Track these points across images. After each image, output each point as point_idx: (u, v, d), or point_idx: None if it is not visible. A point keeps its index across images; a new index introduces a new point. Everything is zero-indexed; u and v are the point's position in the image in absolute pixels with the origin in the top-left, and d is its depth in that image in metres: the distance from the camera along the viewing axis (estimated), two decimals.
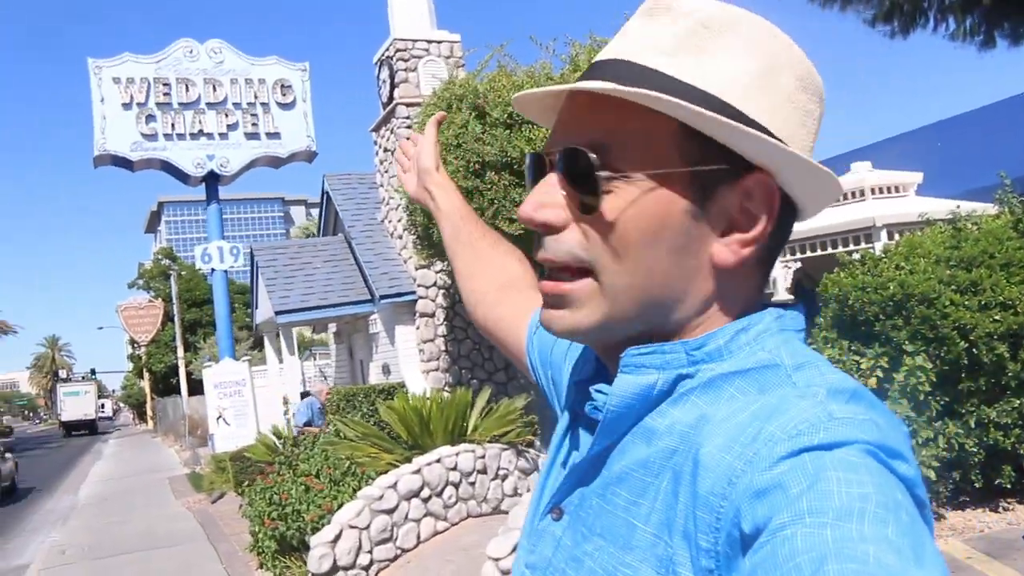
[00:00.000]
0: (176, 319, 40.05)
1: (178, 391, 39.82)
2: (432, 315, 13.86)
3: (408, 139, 1.49)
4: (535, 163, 0.86)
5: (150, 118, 17.94)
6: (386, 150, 14.52)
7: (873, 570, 0.56)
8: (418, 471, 8.56)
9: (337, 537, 7.64)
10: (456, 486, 8.96)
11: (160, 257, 57.80)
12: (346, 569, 7.69)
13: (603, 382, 0.85)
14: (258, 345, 42.56)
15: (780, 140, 0.77)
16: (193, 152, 18.12)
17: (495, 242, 1.37)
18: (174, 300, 40.46)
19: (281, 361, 16.26)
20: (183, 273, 47.60)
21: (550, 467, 0.95)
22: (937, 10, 13.47)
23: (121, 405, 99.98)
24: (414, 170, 1.43)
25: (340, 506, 8.36)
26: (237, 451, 15.31)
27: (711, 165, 0.77)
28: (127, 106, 17.72)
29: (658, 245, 0.78)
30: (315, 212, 74.03)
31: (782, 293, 10.09)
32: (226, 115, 18.47)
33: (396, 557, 8.21)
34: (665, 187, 0.77)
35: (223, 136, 18.32)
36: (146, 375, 54.26)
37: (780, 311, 0.82)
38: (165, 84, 18.04)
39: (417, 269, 13.81)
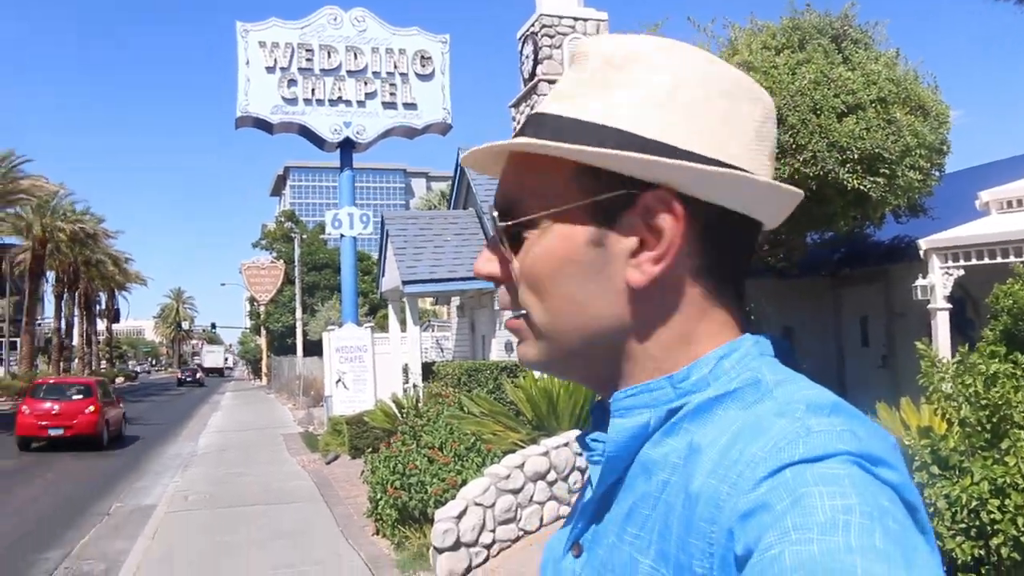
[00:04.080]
0: (296, 281, 41.18)
1: (293, 351, 41.07)
2: None
3: None
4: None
5: (292, 82, 18.18)
6: None
7: None
8: (545, 453, 8.40)
9: (462, 513, 7.55)
10: (582, 472, 8.76)
11: (283, 219, 59.49)
12: (468, 546, 7.60)
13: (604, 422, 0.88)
14: (372, 312, 43.46)
15: (682, 152, 0.78)
16: (331, 118, 18.30)
17: None
18: (296, 262, 41.57)
19: (404, 330, 16.37)
20: (304, 236, 48.86)
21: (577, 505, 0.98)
22: None
23: (238, 359, 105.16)
24: None
25: (464, 481, 8.28)
26: (354, 416, 15.52)
27: (606, 193, 0.80)
28: (270, 70, 18.02)
29: (568, 279, 0.82)
30: (436, 185, 75.01)
31: (940, 301, 9.47)
32: (365, 83, 18.55)
33: (518, 538, 8.09)
34: (565, 223, 0.82)
35: (361, 104, 18.44)
36: (263, 333, 56.17)
37: (757, 337, 0.83)
38: (308, 50, 18.25)
39: None
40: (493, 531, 7.79)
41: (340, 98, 18.35)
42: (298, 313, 39.98)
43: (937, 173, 10.50)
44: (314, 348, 36.40)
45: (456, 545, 7.52)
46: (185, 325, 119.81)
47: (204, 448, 19.73)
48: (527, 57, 14.16)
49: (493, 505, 7.81)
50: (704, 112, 0.80)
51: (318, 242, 51.48)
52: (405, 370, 15.40)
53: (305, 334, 39.54)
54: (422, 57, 18.79)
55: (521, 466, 8.15)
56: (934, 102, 10.08)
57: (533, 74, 13.86)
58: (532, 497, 8.22)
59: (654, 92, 0.81)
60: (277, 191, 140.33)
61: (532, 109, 13.82)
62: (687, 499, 0.72)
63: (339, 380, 17.38)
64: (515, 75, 14.72)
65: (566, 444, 8.67)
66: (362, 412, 15.34)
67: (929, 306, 9.64)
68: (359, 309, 34.53)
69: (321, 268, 48.93)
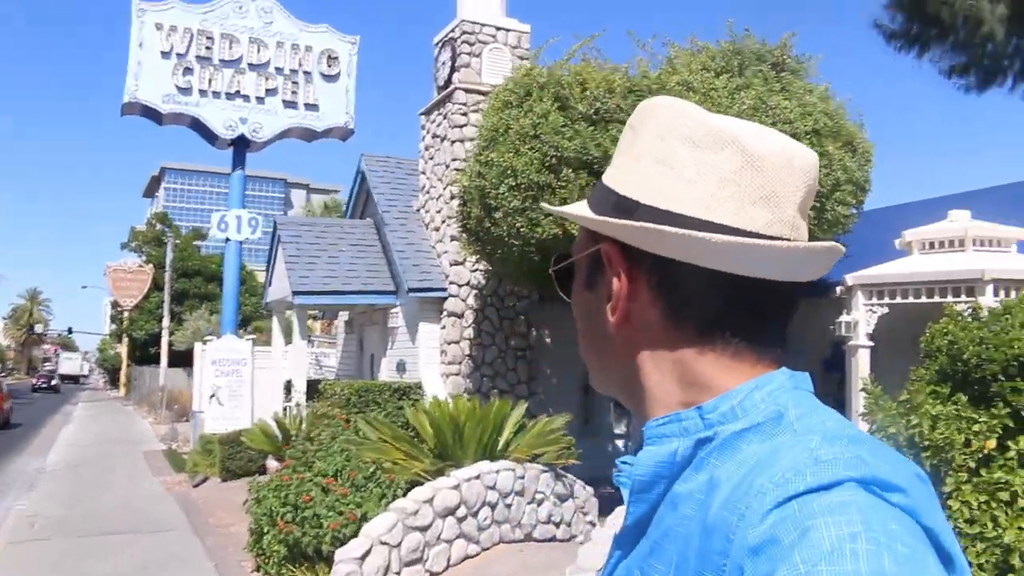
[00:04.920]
0: (166, 287, 39.00)
1: (156, 361, 38.67)
2: (460, 315, 12.94)
3: None
4: None
5: (187, 71, 16.80)
6: (435, 136, 13.63)
7: None
8: (456, 487, 7.66)
9: (366, 553, 6.71)
10: (492, 507, 8.05)
11: (155, 222, 56.67)
12: None
13: None
14: (244, 324, 41.52)
15: (630, 203, 0.82)
16: (226, 113, 16.99)
17: None
18: (167, 267, 39.40)
19: (288, 343, 15.29)
20: (177, 241, 46.54)
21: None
22: (1019, 71, 12.91)
23: (95, 367, 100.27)
24: None
25: (365, 515, 7.44)
26: (229, 434, 14.35)
27: (588, 249, 0.89)
28: (166, 55, 16.59)
29: (581, 321, 0.91)
30: (316, 198, 72.95)
31: (863, 338, 9.32)
32: (266, 79, 17.35)
33: None
34: (578, 274, 0.92)
35: (260, 100, 17.21)
36: (125, 340, 53.05)
37: (793, 372, 0.82)
38: (208, 37, 16.92)
39: (452, 265, 12.90)
40: (398, 573, 6.97)
41: (238, 92, 17.04)
42: (165, 321, 37.74)
43: (856, 211, 10.41)
44: (179, 359, 34.33)
45: None
46: (39, 328, 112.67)
47: (54, 464, 18.00)
48: (443, 64, 13.47)
49: (399, 544, 7.00)
50: (652, 164, 0.82)
51: (191, 248, 49.17)
52: (288, 387, 14.32)
53: (171, 344, 37.34)
54: (329, 57, 17.73)
55: (430, 500, 7.38)
56: (861, 139, 9.99)
57: (449, 81, 13.17)
58: (440, 535, 7.46)
59: (624, 149, 0.87)
60: (150, 192, 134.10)
61: (445, 118, 13.13)
62: (703, 531, 0.71)
63: (213, 395, 16.08)
64: (426, 81, 14.02)
65: (477, 477, 7.96)
66: (238, 431, 14.17)
67: (850, 343, 9.45)
68: None
69: (192, 275, 46.59)
